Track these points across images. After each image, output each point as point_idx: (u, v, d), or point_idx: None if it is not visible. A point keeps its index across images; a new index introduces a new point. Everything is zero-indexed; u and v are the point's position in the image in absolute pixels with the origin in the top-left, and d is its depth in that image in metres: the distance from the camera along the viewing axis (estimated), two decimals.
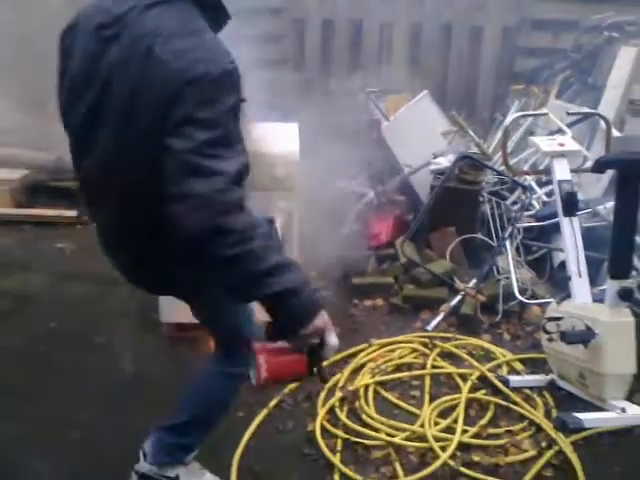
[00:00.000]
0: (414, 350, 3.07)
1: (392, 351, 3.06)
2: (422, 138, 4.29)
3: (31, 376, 2.94)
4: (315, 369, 1.59)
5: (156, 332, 3.25)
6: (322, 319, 1.50)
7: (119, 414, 2.66)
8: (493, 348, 3.07)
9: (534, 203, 3.84)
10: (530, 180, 3.95)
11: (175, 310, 3.16)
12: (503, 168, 3.63)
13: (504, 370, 2.91)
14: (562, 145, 2.87)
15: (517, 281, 3.36)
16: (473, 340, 3.15)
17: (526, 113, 4.14)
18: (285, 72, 5.59)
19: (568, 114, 3.38)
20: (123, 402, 2.75)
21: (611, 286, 2.41)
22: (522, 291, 3.34)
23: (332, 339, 1.53)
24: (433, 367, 2.93)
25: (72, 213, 4.82)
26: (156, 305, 3.28)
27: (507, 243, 3.55)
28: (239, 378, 2.05)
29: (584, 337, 2.39)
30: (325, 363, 1.62)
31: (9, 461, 2.42)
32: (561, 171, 2.80)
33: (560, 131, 3.24)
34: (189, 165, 1.40)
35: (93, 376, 2.94)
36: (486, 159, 4.04)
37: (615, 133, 3.64)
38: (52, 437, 2.54)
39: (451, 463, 2.36)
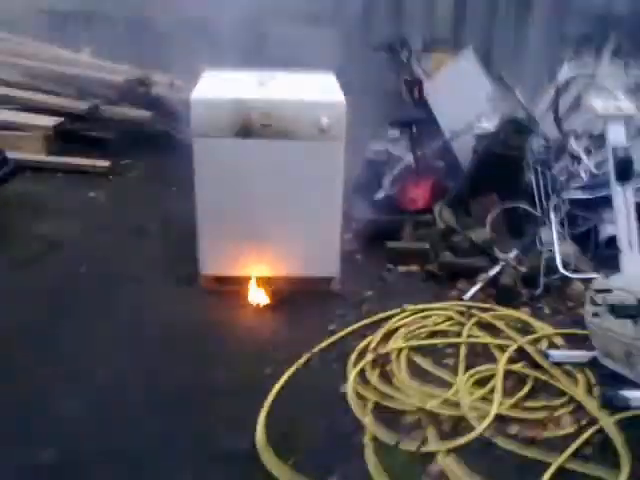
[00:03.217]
0: (450, 318, 2.97)
1: (426, 317, 2.97)
2: (465, 99, 4.11)
3: (62, 318, 2.93)
4: None
5: (190, 284, 3.21)
6: None
7: (146, 360, 2.66)
8: (532, 321, 2.96)
9: (582, 174, 3.67)
10: (579, 150, 3.77)
11: (216, 262, 3.13)
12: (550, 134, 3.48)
13: (544, 344, 2.79)
14: (620, 108, 2.70)
15: (560, 254, 3.22)
16: (512, 312, 3.03)
17: (581, 73, 3.92)
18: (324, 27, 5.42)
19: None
20: (151, 349, 2.74)
21: None
22: (565, 265, 3.21)
23: None
24: (469, 336, 2.83)
25: (105, 163, 4.78)
26: (189, 257, 3.23)
27: (552, 214, 3.40)
28: None
29: (634, 312, 2.27)
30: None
31: (40, 398, 2.42)
32: (616, 135, 2.65)
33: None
34: None
35: (122, 322, 2.92)
36: (533, 124, 3.87)
37: None
38: (82, 376, 2.55)
39: (486, 434, 2.27)
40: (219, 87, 3.14)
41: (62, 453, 2.17)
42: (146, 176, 4.71)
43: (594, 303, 2.41)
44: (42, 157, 4.79)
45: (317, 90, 3.15)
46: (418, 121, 4.17)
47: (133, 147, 4.96)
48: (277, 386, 2.51)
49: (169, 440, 2.25)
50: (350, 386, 2.50)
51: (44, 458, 2.15)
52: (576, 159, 3.65)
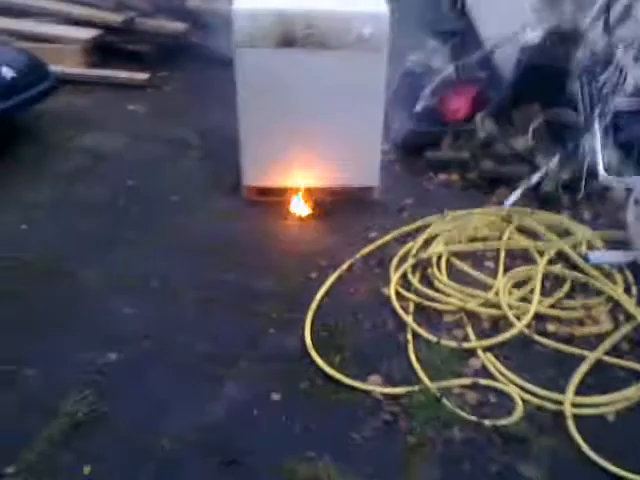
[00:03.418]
0: (490, 223, 3.00)
1: (467, 223, 3.00)
2: (508, 10, 3.99)
3: (112, 228, 3.04)
4: None
5: (233, 195, 3.28)
6: None
7: (196, 267, 2.75)
8: (573, 225, 2.98)
9: (627, 83, 3.58)
10: (625, 59, 3.66)
11: (258, 174, 3.19)
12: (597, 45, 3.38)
13: (584, 247, 2.83)
14: None
15: (603, 160, 3.20)
16: (552, 216, 3.05)
17: None
18: None
19: None
20: (200, 257, 2.83)
21: None
22: (607, 170, 3.19)
23: None
24: (509, 239, 2.88)
25: (143, 76, 4.79)
26: (230, 168, 3.29)
27: (596, 121, 3.35)
28: None
29: None
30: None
31: (97, 302, 2.56)
32: None
33: None
34: None
35: (170, 232, 3.01)
36: (579, 34, 3.75)
37: None
38: (135, 284, 2.67)
39: (526, 331, 2.35)
40: None
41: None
42: (184, 88, 4.71)
43: (637, 203, 2.42)
44: (81, 70, 4.81)
45: (360, 0, 3.08)
46: (460, 31, 4.07)
47: (170, 59, 4.96)
48: (322, 289, 2.60)
49: (224, 342, 2.37)
50: (392, 288, 2.58)
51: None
52: (622, 69, 3.56)
